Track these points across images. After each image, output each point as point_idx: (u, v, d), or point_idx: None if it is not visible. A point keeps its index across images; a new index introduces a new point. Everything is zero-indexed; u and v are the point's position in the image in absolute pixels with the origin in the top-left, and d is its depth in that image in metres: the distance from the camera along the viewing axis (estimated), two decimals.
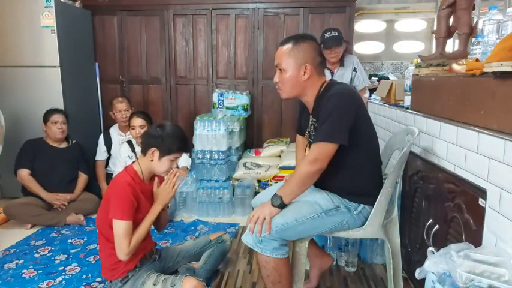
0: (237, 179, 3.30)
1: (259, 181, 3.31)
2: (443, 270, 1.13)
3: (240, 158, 3.64)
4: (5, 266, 2.25)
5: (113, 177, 2.74)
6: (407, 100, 2.28)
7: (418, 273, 1.22)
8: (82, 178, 3.12)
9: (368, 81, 3.31)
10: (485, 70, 1.35)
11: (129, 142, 3.12)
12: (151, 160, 1.77)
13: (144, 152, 1.79)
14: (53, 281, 2.08)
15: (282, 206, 1.51)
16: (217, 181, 3.23)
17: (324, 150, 1.48)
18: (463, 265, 1.07)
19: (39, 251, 2.45)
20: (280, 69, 1.60)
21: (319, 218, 1.53)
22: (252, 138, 4.03)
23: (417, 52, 4.46)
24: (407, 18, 4.64)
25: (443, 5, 2.04)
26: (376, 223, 1.60)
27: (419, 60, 2.24)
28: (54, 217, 2.84)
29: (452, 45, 3.36)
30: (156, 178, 1.86)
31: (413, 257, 1.95)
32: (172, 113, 4.06)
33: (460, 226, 1.47)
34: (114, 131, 3.45)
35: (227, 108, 3.70)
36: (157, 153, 1.75)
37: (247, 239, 1.50)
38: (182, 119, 4.03)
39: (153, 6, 3.90)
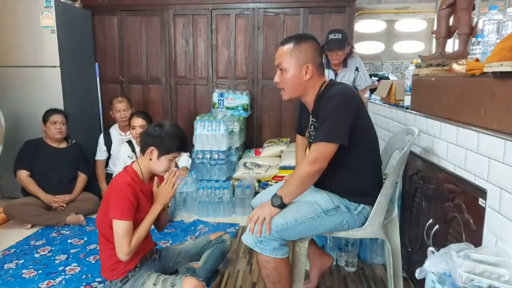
0: (237, 179, 3.30)
1: (259, 181, 3.31)
2: (443, 270, 1.13)
3: (240, 158, 3.64)
4: (5, 266, 2.25)
5: (113, 177, 2.74)
6: (407, 100, 2.28)
7: (418, 273, 1.22)
8: (81, 178, 3.11)
9: (370, 81, 3.32)
10: (485, 70, 1.35)
11: (129, 142, 3.12)
12: (150, 159, 1.76)
13: (143, 151, 1.79)
14: (53, 281, 2.08)
15: (282, 206, 1.51)
16: (217, 181, 3.23)
17: (324, 151, 1.48)
18: (463, 265, 1.07)
19: (39, 251, 2.45)
20: (281, 69, 1.60)
21: (319, 218, 1.53)
22: (252, 138, 4.03)
23: (417, 52, 4.46)
24: (407, 18, 4.64)
25: (443, 5, 2.04)
26: (376, 223, 1.60)
27: (419, 60, 2.24)
28: (54, 217, 2.84)
29: (452, 45, 3.36)
30: (156, 178, 1.86)
31: (413, 257, 1.95)
32: (172, 113, 4.06)
33: (460, 226, 1.47)
34: (114, 130, 3.45)
35: (227, 108, 3.70)
36: (155, 153, 1.75)
37: (247, 239, 1.50)
38: (182, 119, 4.03)
39: (153, 6, 3.90)
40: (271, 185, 3.11)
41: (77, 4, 3.69)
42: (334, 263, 2.21)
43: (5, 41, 3.29)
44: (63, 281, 2.08)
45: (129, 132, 3.23)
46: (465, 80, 1.55)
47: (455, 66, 1.73)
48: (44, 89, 3.31)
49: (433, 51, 3.74)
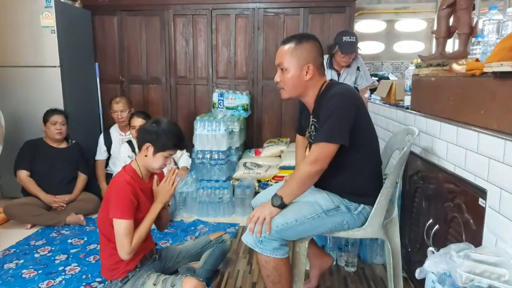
0: (237, 179, 3.30)
1: (259, 181, 3.31)
2: (443, 270, 1.13)
3: (240, 158, 3.64)
4: (5, 266, 2.25)
5: (112, 177, 2.73)
6: (407, 100, 2.28)
7: (418, 273, 1.22)
8: (81, 178, 3.11)
9: (370, 80, 3.32)
10: (485, 70, 1.35)
11: (129, 142, 3.12)
12: (146, 156, 1.76)
13: (140, 147, 1.79)
14: (53, 281, 2.08)
15: (282, 206, 1.51)
16: (217, 181, 3.23)
17: (324, 151, 1.48)
18: (463, 265, 1.07)
19: (39, 251, 2.45)
20: (282, 69, 1.60)
21: (319, 218, 1.53)
22: (252, 138, 4.03)
23: (417, 52, 4.46)
24: (407, 18, 4.63)
25: (443, 5, 2.04)
26: (376, 223, 1.60)
27: (419, 60, 2.24)
28: (54, 217, 2.84)
29: (452, 45, 3.36)
30: (156, 176, 1.86)
31: (413, 257, 1.95)
32: (172, 113, 4.06)
33: (460, 226, 1.47)
34: (114, 130, 3.45)
35: (227, 108, 3.70)
36: (151, 149, 1.75)
37: (247, 239, 1.50)
38: (182, 119, 4.03)
39: (153, 6, 3.90)
40: (271, 185, 3.11)
41: (77, 4, 3.69)
42: (334, 263, 2.21)
43: (5, 41, 3.28)
44: (63, 281, 2.08)
45: (129, 132, 3.24)
46: (465, 80, 1.55)
47: (455, 66, 1.73)
48: (44, 89, 3.31)
49: (433, 51, 3.74)
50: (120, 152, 3.16)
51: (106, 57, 4.03)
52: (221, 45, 3.94)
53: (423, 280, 1.23)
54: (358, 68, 3.13)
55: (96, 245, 2.50)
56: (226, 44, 3.92)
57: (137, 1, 3.91)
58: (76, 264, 2.27)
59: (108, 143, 3.39)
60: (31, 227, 2.81)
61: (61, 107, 3.22)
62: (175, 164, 3.27)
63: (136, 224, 1.71)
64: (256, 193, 3.08)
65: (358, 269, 2.20)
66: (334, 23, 3.73)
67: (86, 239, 2.63)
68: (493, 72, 1.31)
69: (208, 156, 3.25)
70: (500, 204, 1.23)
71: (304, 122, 1.76)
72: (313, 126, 1.65)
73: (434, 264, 1.15)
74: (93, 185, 3.26)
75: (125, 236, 1.64)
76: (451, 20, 2.06)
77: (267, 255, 1.47)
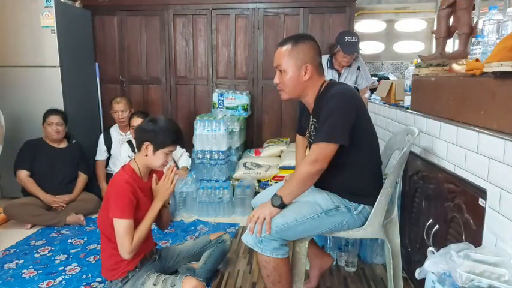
0: (237, 179, 3.30)
1: (259, 181, 3.31)
2: (443, 270, 1.13)
3: (240, 158, 3.64)
4: (5, 266, 2.25)
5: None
6: (407, 100, 2.28)
7: (418, 273, 1.22)
8: (81, 178, 3.11)
9: (371, 80, 3.32)
10: (485, 70, 1.35)
11: (129, 142, 3.12)
12: (146, 155, 1.76)
13: (139, 147, 1.79)
14: (53, 281, 2.08)
15: (282, 206, 1.51)
16: (217, 181, 3.23)
17: (324, 151, 1.48)
18: (463, 265, 1.07)
19: (39, 251, 2.45)
20: (280, 71, 1.60)
21: (319, 218, 1.53)
22: (252, 138, 4.03)
23: (417, 52, 4.46)
24: (407, 18, 4.63)
25: (443, 5, 2.04)
26: (376, 223, 1.60)
27: (419, 60, 2.24)
28: (54, 217, 2.84)
29: (452, 45, 3.36)
30: (155, 175, 1.86)
31: (413, 257, 1.95)
32: (172, 113, 4.05)
33: (460, 226, 1.47)
34: (114, 130, 3.45)
35: (227, 108, 3.69)
36: (151, 148, 1.75)
37: (247, 239, 1.50)
38: (182, 119, 4.03)
39: (153, 6, 3.90)
40: (271, 185, 3.11)
41: (77, 4, 3.69)
42: (334, 263, 2.21)
43: (5, 41, 3.28)
44: (63, 281, 2.08)
45: (129, 132, 3.24)
46: (465, 80, 1.55)
47: (455, 66, 1.73)
48: (44, 89, 3.31)
49: (433, 51, 3.74)
50: (120, 152, 3.16)
51: (106, 57, 4.03)
52: (221, 45, 3.94)
53: (423, 280, 1.23)
54: (358, 68, 3.14)
55: (96, 245, 2.50)
56: (226, 44, 3.92)
57: (137, 1, 3.91)
58: (76, 264, 2.27)
59: (108, 143, 3.39)
60: (31, 227, 2.81)
61: (61, 107, 3.22)
62: (176, 164, 3.27)
63: (137, 223, 1.71)
64: (256, 193, 3.08)
65: (358, 269, 2.20)
66: (334, 23, 3.73)
67: (86, 239, 2.63)
68: (493, 72, 1.31)
69: (208, 156, 3.25)
70: (500, 204, 1.23)
71: (304, 122, 1.76)
72: (313, 126, 1.65)
73: (434, 264, 1.15)
74: (93, 185, 3.26)
75: (125, 235, 1.64)
76: (451, 20, 2.06)
77: (267, 255, 1.47)
